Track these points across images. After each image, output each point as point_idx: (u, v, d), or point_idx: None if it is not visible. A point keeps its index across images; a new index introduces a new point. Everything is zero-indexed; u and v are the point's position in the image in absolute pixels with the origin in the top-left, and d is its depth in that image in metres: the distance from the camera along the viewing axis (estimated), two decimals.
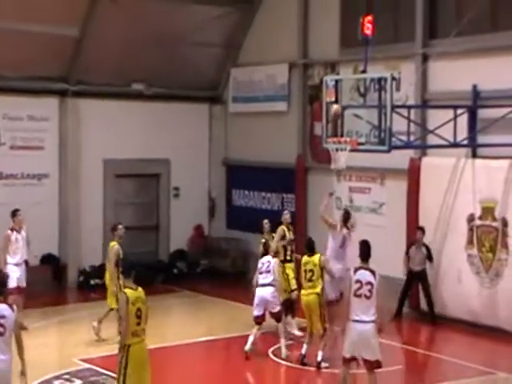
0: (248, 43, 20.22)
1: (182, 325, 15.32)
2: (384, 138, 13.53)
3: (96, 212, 19.45)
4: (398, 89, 15.49)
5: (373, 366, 10.25)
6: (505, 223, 14.53)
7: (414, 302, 16.02)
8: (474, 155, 15.28)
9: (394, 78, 14.18)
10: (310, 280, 12.66)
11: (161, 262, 20.16)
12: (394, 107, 13.69)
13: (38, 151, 18.78)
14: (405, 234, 16.20)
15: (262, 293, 13.12)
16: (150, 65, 19.25)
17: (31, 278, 16.25)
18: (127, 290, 9.16)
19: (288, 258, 14.58)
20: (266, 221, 15.47)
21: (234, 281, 18.85)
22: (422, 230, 15.51)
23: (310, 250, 12.86)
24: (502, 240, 14.58)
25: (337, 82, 14.51)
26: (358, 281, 10.37)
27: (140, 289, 9.20)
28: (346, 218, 13.99)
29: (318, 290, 12.62)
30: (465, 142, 14.93)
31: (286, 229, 14.56)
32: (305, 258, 12.84)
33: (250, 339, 12.81)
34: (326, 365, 12.36)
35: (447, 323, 15.01)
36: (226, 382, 12.39)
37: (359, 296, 10.32)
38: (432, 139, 15.26)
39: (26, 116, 18.54)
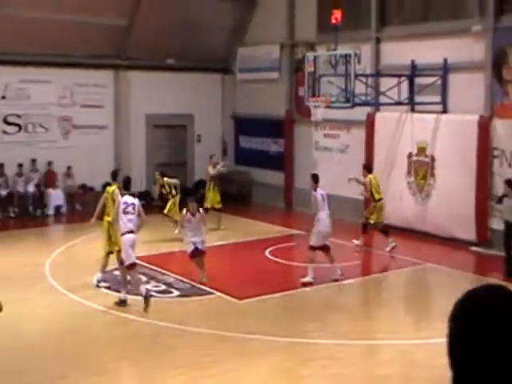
0: (250, 29, 20.06)
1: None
2: (349, 97, 13.69)
3: (140, 152, 19.53)
4: (359, 62, 15.63)
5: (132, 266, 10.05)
6: (433, 159, 14.68)
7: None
8: (412, 110, 15.32)
9: (356, 55, 14.39)
10: (106, 207, 11.03)
11: (187, 189, 20.23)
12: (356, 75, 13.89)
13: (100, 109, 18.77)
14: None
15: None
16: (179, 44, 19.12)
17: (96, 200, 16.45)
18: None
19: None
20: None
21: (239, 201, 18.84)
22: (510, 182, 11.92)
23: (113, 178, 11.38)
24: (430, 171, 14.76)
25: (315, 57, 14.66)
26: (124, 202, 9.99)
27: None
28: (316, 179, 11.75)
29: (111, 218, 10.67)
30: (406, 101, 15.02)
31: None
32: (108, 188, 11.24)
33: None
34: (106, 285, 10.98)
35: (390, 230, 15.06)
36: (234, 273, 12.57)
37: (127, 213, 9.90)
38: (383, 99, 15.36)
39: (91, 84, 18.52)
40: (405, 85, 15.01)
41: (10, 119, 17.70)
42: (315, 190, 11.55)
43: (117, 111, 19.10)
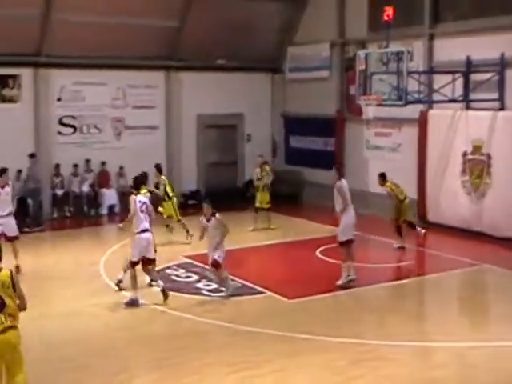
0: (300, 28, 20.01)
1: (252, 233, 15.44)
2: (401, 95, 13.57)
3: (191, 152, 19.63)
4: (411, 59, 15.40)
5: (151, 262, 10.25)
6: (489, 157, 14.39)
7: (422, 214, 16.02)
8: (467, 108, 15.06)
9: (408, 52, 14.15)
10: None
11: (237, 188, 20.26)
12: (408, 73, 13.73)
13: (151, 109, 18.96)
14: (416, 166, 16.11)
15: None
16: (229, 45, 19.19)
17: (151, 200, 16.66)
18: None
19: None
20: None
21: (290, 201, 18.90)
22: None
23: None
24: (486, 169, 14.47)
25: (366, 55, 14.53)
26: (139, 201, 10.17)
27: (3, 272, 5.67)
28: (338, 169, 11.30)
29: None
30: (460, 99, 14.77)
31: None
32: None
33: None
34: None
35: (444, 229, 15.02)
36: (284, 270, 12.54)
37: (142, 212, 10.11)
38: (436, 96, 15.11)
39: (143, 85, 18.76)
40: (459, 82, 14.74)
41: (66, 121, 18.11)
42: (339, 179, 10.90)
43: (168, 112, 19.26)
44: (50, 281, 11.82)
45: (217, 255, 10.33)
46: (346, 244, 10.98)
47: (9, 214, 11.87)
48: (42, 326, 9.38)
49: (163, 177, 14.70)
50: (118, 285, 10.85)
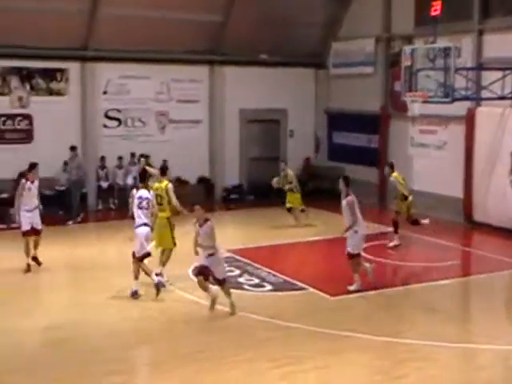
0: (345, 23, 19.86)
1: (293, 229, 15.49)
2: (448, 92, 13.39)
3: (234, 147, 19.71)
4: (459, 55, 15.09)
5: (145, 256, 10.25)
6: None
7: (468, 213, 15.85)
8: None
9: (456, 48, 13.93)
10: (159, 204, 10.85)
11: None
12: (456, 69, 13.50)
13: (195, 103, 19.10)
14: (462, 164, 15.86)
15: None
16: (272, 40, 19.18)
17: (191, 193, 16.84)
18: None
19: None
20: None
21: (332, 197, 18.87)
22: None
23: (162, 174, 11.23)
24: None
25: (412, 50, 14.33)
26: (139, 197, 10.18)
27: None
28: (347, 183, 10.70)
29: (167, 214, 10.93)
30: (510, 96, 14.44)
31: None
32: (156, 185, 11.08)
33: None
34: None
35: (491, 230, 14.78)
36: (323, 264, 12.52)
37: (141, 208, 10.13)
38: (485, 93, 14.84)
39: (187, 79, 18.89)
40: (509, 78, 14.40)
41: (111, 114, 18.39)
42: (348, 194, 10.53)
43: (211, 106, 19.37)
44: (93, 271, 12.02)
45: (220, 271, 9.50)
46: (359, 255, 10.81)
47: (35, 208, 12.04)
48: (80, 317, 9.54)
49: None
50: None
